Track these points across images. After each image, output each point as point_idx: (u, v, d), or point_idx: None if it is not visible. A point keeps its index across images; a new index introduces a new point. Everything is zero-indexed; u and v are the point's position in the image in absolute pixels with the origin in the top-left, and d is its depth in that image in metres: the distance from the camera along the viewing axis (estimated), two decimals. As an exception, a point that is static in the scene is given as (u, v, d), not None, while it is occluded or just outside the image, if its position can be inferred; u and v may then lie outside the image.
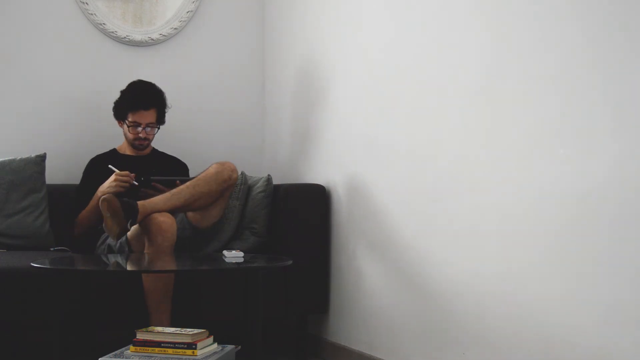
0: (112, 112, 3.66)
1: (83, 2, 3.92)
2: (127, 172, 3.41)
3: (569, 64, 2.16)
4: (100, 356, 2.63)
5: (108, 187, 3.37)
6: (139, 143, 3.62)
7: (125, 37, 3.99)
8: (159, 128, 3.65)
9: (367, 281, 3.16)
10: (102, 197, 3.05)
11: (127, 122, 3.57)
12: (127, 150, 3.69)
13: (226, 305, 3.28)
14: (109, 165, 3.49)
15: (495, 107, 2.45)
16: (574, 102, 2.14)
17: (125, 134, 3.63)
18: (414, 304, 2.85)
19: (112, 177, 3.41)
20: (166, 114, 3.66)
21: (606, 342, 2.03)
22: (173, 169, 3.67)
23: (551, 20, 2.23)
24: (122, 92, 3.62)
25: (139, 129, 3.58)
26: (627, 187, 1.97)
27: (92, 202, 3.46)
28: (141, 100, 3.56)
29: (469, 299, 2.55)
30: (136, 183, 3.39)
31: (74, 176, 3.70)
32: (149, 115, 3.58)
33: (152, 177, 3.36)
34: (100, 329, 3.16)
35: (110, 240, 3.33)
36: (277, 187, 3.53)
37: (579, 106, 2.12)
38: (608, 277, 2.02)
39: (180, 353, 2.63)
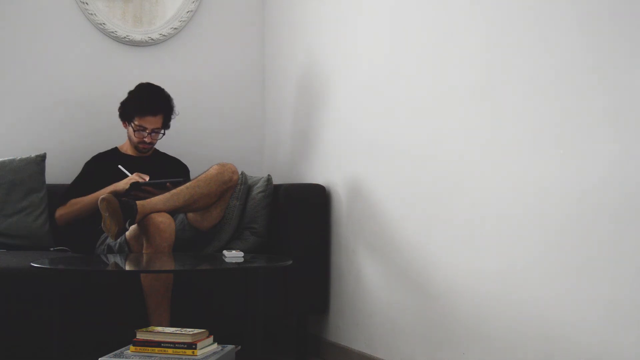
0: (112, 112, 3.66)
1: (83, 2, 3.92)
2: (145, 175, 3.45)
3: (568, 65, 2.16)
4: (100, 356, 2.63)
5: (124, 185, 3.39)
6: (143, 147, 3.62)
7: (125, 37, 3.99)
8: (164, 133, 3.64)
9: (367, 281, 3.16)
10: (102, 196, 3.05)
11: (133, 125, 3.57)
12: (129, 150, 3.68)
13: (226, 305, 3.28)
14: (119, 166, 3.49)
15: (495, 108, 2.45)
16: (573, 102, 2.14)
17: (129, 136, 3.63)
18: (414, 303, 2.85)
19: (133, 176, 3.43)
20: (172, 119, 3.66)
21: (606, 341, 2.03)
22: (174, 170, 3.67)
23: (551, 21, 2.23)
24: (131, 93, 3.60)
25: (145, 133, 3.58)
26: (626, 187, 1.97)
27: (92, 196, 3.45)
28: (150, 106, 3.55)
29: (469, 298, 2.55)
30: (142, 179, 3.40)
31: (74, 176, 3.69)
32: (156, 121, 3.57)
33: (140, 183, 3.34)
34: (100, 329, 3.16)
35: (109, 240, 3.33)
36: (277, 187, 3.53)
37: (578, 106, 2.12)
38: (608, 275, 2.02)
39: (180, 353, 2.63)
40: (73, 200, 3.50)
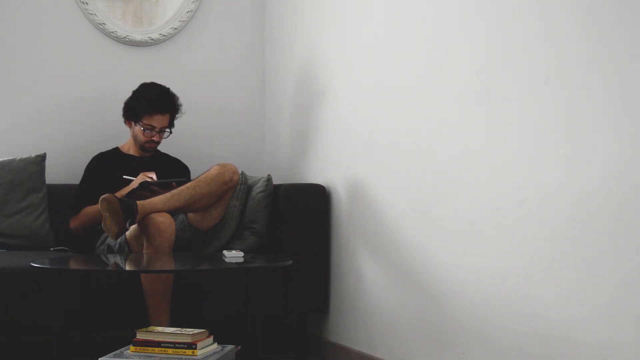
0: (112, 112, 3.66)
1: (83, 2, 3.92)
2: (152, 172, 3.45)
3: (567, 64, 2.16)
4: (100, 356, 2.63)
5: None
6: (150, 146, 3.62)
7: (125, 37, 3.99)
8: (170, 132, 3.65)
9: (367, 281, 3.16)
10: (102, 196, 3.05)
11: (141, 124, 3.57)
12: (131, 150, 3.68)
13: (226, 305, 3.28)
14: (124, 176, 3.49)
15: (495, 108, 2.45)
16: (572, 102, 2.14)
17: (136, 136, 3.62)
18: (414, 303, 2.85)
19: (139, 177, 3.42)
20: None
21: (606, 341, 2.03)
22: (175, 170, 3.67)
23: (551, 20, 2.23)
24: (136, 93, 3.60)
25: (154, 132, 3.57)
26: (625, 186, 1.97)
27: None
28: (159, 105, 3.55)
29: (469, 298, 2.55)
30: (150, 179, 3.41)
31: (74, 176, 3.70)
32: (164, 120, 3.58)
33: (148, 182, 3.35)
34: (100, 329, 3.16)
35: (109, 240, 3.33)
36: (277, 187, 3.53)
37: (577, 106, 2.12)
38: (607, 275, 2.02)
39: (180, 353, 2.63)
40: (85, 210, 3.50)
